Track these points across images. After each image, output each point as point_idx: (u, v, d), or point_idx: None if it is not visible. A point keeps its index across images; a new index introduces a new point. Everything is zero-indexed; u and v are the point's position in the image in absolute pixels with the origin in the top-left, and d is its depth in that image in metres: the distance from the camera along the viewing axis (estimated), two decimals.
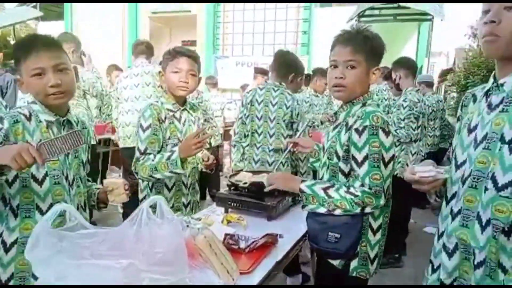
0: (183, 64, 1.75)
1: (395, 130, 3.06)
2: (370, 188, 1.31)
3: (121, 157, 3.72)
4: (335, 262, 1.42)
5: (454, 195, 1.08)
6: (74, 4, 9.21)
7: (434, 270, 1.16)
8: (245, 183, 1.78)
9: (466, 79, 4.74)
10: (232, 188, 1.87)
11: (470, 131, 1.05)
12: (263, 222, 1.73)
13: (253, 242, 1.38)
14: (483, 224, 0.97)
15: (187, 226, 1.26)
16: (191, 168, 1.89)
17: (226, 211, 1.80)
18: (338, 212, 1.35)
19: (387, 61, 3.61)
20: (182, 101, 1.87)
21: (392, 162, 1.34)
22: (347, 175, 1.41)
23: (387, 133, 1.32)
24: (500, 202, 0.93)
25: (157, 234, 0.88)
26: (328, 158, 1.47)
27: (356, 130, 1.33)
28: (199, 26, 8.49)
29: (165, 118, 1.78)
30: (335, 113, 1.53)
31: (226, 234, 1.39)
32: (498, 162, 0.94)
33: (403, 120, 3.07)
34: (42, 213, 1.26)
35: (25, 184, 1.25)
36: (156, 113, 1.75)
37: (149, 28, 8.88)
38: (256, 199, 1.76)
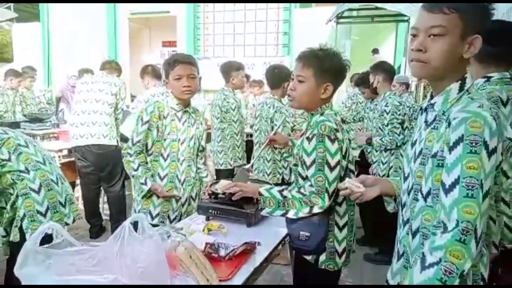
0: (182, 70, 1.94)
1: (380, 139, 3.09)
2: (315, 188, 1.45)
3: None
4: (308, 257, 1.57)
5: (404, 205, 1.16)
6: (50, 5, 9.04)
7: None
8: (224, 193, 1.85)
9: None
10: (213, 196, 1.93)
11: (412, 145, 1.14)
12: (243, 228, 1.81)
13: (232, 250, 1.45)
14: (413, 231, 1.06)
15: (168, 237, 1.33)
16: (186, 165, 2.10)
17: (207, 219, 1.86)
18: (291, 214, 1.49)
19: (365, 62, 3.73)
20: (186, 103, 2.06)
21: (338, 167, 1.46)
22: (304, 179, 1.54)
23: (333, 140, 1.45)
24: (427, 212, 1.00)
25: (139, 250, 0.94)
26: (294, 164, 1.62)
27: (307, 138, 1.49)
28: (179, 27, 8.48)
29: (167, 115, 1.98)
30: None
31: (207, 243, 1.46)
32: (424, 174, 1.02)
33: (387, 126, 3.08)
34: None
35: (49, 188, 1.58)
36: (159, 111, 1.96)
37: (129, 29, 8.81)
38: (236, 207, 1.83)
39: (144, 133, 1.97)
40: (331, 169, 1.44)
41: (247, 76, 5.79)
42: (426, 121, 1.09)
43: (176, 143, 2.02)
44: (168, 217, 2.06)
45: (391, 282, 1.18)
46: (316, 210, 1.46)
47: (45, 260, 0.94)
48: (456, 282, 0.86)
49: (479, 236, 0.87)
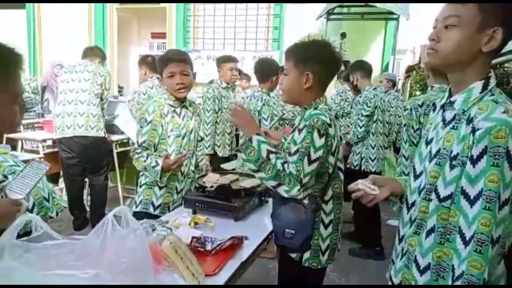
0: (175, 67, 1.95)
1: (347, 133, 3.30)
2: (295, 173, 1.38)
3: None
4: (293, 255, 1.55)
5: (412, 204, 1.14)
6: None
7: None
8: (212, 186, 1.82)
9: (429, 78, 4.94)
10: (200, 189, 1.90)
11: (427, 143, 1.11)
12: (230, 222, 1.78)
13: (219, 244, 1.43)
14: (426, 230, 1.04)
15: (153, 230, 1.30)
16: (189, 180, 2.14)
17: (194, 213, 1.83)
18: (259, 175, 1.41)
19: (356, 58, 3.77)
20: (182, 99, 2.08)
21: (317, 162, 1.40)
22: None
23: (321, 135, 1.40)
24: (443, 211, 1.00)
25: (122, 244, 0.91)
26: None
27: (298, 129, 1.46)
28: (169, 18, 8.35)
29: (168, 112, 2.01)
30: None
31: (193, 237, 1.43)
32: (441, 177, 1.00)
33: (355, 116, 3.34)
34: None
35: None
36: (159, 109, 1.98)
37: (117, 20, 8.65)
38: (223, 201, 1.81)
39: (149, 133, 1.96)
40: (310, 162, 1.39)
41: (240, 70, 5.74)
42: (444, 120, 1.07)
43: (179, 139, 2.05)
44: (168, 208, 2.05)
45: (395, 280, 1.16)
46: (281, 190, 1.40)
47: (23, 254, 0.90)
48: None
49: (495, 242, 0.90)
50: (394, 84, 4.98)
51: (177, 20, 8.34)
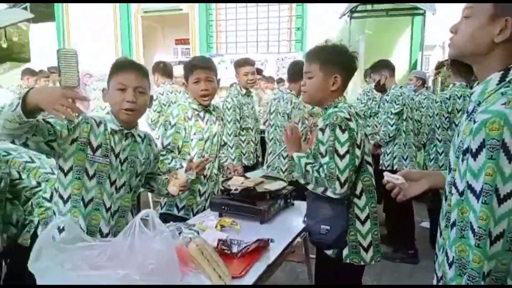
0: (200, 74, 2.01)
1: (378, 134, 3.24)
2: (327, 175, 1.47)
3: None
4: (329, 252, 1.58)
5: (446, 197, 1.11)
6: (64, 5, 9.17)
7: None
8: (236, 189, 1.84)
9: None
10: (225, 192, 1.92)
11: (457, 136, 1.08)
12: (256, 225, 1.79)
13: (245, 246, 1.44)
14: (450, 223, 1.03)
15: (180, 233, 1.32)
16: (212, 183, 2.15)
17: (220, 215, 1.85)
18: (310, 187, 1.57)
19: (380, 56, 3.70)
20: (206, 104, 2.12)
21: (348, 155, 1.47)
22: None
23: (343, 130, 1.48)
24: (462, 206, 0.97)
25: (150, 246, 0.93)
26: (314, 158, 1.62)
27: (320, 129, 1.52)
28: (192, 24, 8.50)
29: (191, 116, 2.05)
30: None
31: (219, 240, 1.45)
32: (457, 170, 1.00)
33: (384, 115, 3.25)
34: (85, 205, 1.41)
35: (78, 176, 1.41)
36: (183, 113, 2.03)
37: (142, 28, 8.88)
38: (249, 204, 1.82)
39: (173, 136, 2.01)
40: (341, 157, 1.47)
41: (259, 71, 5.74)
42: (467, 112, 1.05)
43: (202, 142, 2.08)
44: (192, 210, 2.09)
45: (438, 274, 1.13)
46: (329, 193, 1.50)
47: (59, 254, 0.94)
48: (483, 283, 0.88)
49: (494, 237, 0.88)
50: (424, 82, 4.83)
51: (200, 25, 8.47)
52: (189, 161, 1.90)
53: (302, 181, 1.58)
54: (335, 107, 1.57)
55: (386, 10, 7.33)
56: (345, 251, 1.56)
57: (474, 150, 0.91)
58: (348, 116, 1.49)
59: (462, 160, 0.97)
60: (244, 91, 3.34)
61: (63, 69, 1.41)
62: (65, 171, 1.41)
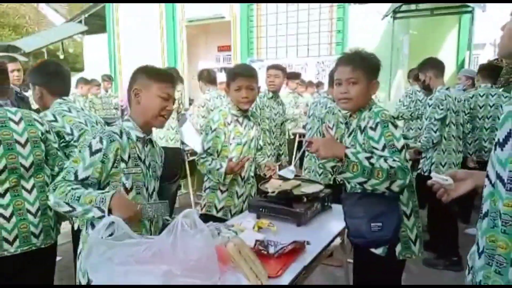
0: (242, 82, 2.09)
1: (419, 140, 3.17)
2: (400, 163, 1.45)
3: None
4: (379, 251, 1.57)
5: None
6: (115, 17, 9.72)
7: None
8: (273, 192, 1.88)
9: (509, 74, 4.54)
10: (263, 195, 1.97)
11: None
12: (292, 227, 1.82)
13: (281, 247, 1.47)
14: (483, 214, 0.99)
15: (219, 233, 1.38)
16: (248, 164, 2.20)
17: (258, 217, 1.90)
18: (369, 184, 1.44)
19: (426, 57, 3.58)
20: (245, 110, 2.21)
21: (403, 151, 1.51)
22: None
23: (395, 126, 1.54)
24: (495, 196, 0.93)
25: (191, 244, 1.00)
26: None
27: (371, 127, 1.54)
28: (234, 31, 8.69)
29: (231, 121, 2.15)
30: (346, 123, 1.74)
31: (257, 240, 1.50)
32: (490, 160, 0.96)
33: (426, 120, 3.13)
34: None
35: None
36: (223, 118, 2.13)
37: (186, 36, 9.21)
38: (286, 206, 1.85)
39: (213, 140, 2.11)
40: (400, 151, 1.50)
41: (296, 75, 5.76)
42: None
43: (240, 146, 2.16)
44: (230, 211, 2.18)
45: (469, 263, 1.10)
46: (394, 187, 1.45)
47: (107, 251, 1.03)
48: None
49: None
50: (474, 81, 4.62)
51: (241, 32, 8.63)
52: (228, 161, 1.99)
53: (358, 180, 1.45)
54: (370, 109, 1.62)
55: (431, 10, 7.07)
56: (398, 248, 1.57)
57: (501, 140, 0.90)
58: (392, 114, 1.57)
59: (494, 151, 0.95)
60: (270, 94, 3.41)
61: (155, 209, 1.48)
62: (101, 187, 1.47)
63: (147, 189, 1.57)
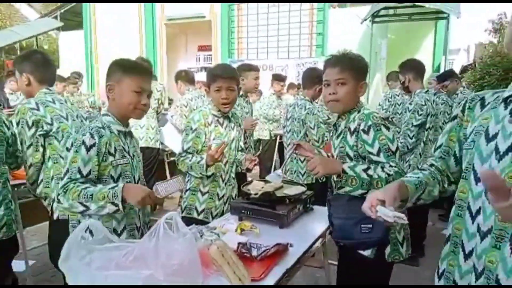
0: (222, 83, 2.07)
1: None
2: (397, 168, 1.49)
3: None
4: (367, 252, 1.55)
5: (479, 211, 0.96)
6: (92, 14, 9.50)
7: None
8: (256, 194, 1.87)
9: (482, 79, 4.70)
10: (245, 197, 1.96)
11: (489, 140, 0.96)
12: (275, 229, 1.81)
13: (264, 250, 1.46)
14: None
15: (201, 236, 1.36)
16: (229, 165, 2.19)
17: (240, 219, 1.89)
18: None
19: (404, 59, 3.64)
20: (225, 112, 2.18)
21: (398, 152, 1.54)
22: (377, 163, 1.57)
23: (388, 128, 1.55)
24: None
25: (173, 247, 0.98)
26: (342, 163, 1.59)
27: (363, 130, 1.54)
28: (214, 31, 8.64)
29: (211, 122, 2.12)
30: (334, 125, 1.72)
31: (239, 243, 1.48)
32: None
33: (404, 126, 3.14)
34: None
35: (104, 183, 1.51)
36: (204, 118, 2.10)
37: (166, 35, 9.09)
38: (268, 208, 1.84)
39: (193, 140, 2.08)
40: (394, 154, 1.52)
41: (281, 78, 5.79)
42: (511, 112, 0.93)
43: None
44: (211, 213, 2.14)
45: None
46: None
47: (87, 255, 0.99)
48: None
49: None
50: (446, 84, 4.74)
51: (222, 32, 8.60)
52: (208, 149, 1.98)
53: (357, 192, 1.49)
54: (359, 111, 1.62)
55: (409, 15, 7.25)
56: (388, 250, 1.56)
57: None
58: (382, 116, 1.58)
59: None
60: (241, 92, 3.33)
61: (167, 185, 1.52)
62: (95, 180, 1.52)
63: (134, 178, 1.63)
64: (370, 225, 1.50)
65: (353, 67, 1.61)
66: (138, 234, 1.66)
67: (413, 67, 3.25)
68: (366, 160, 1.57)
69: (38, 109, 1.98)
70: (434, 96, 3.34)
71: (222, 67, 2.27)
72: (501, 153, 0.92)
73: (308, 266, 2.94)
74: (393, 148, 1.52)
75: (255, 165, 2.17)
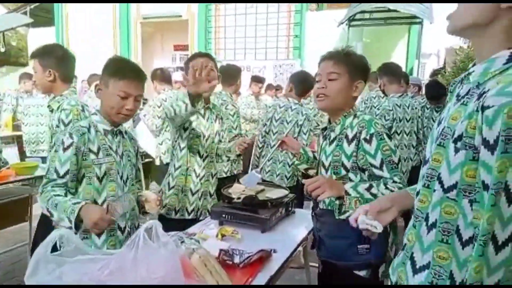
0: (200, 63, 1.95)
1: None
2: (401, 184, 1.38)
3: None
4: (362, 273, 1.45)
5: (417, 193, 0.99)
6: (64, 10, 9.17)
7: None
8: (239, 198, 1.81)
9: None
10: (226, 200, 1.89)
11: (438, 124, 0.95)
12: (257, 234, 1.76)
13: (247, 257, 1.41)
14: (429, 225, 0.90)
15: (182, 243, 1.29)
16: (208, 161, 2.12)
17: (221, 224, 1.82)
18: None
19: (378, 64, 3.69)
20: (205, 101, 2.12)
21: (400, 162, 1.44)
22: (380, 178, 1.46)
23: (390, 137, 1.44)
24: (448, 204, 0.85)
25: (154, 259, 0.91)
26: (334, 172, 1.50)
27: (365, 139, 1.43)
28: (191, 30, 8.52)
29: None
30: (324, 129, 1.61)
31: (221, 250, 1.42)
32: (445, 161, 0.86)
33: None
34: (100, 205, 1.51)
35: (89, 182, 1.53)
36: None
37: (141, 33, 8.89)
38: (250, 212, 1.79)
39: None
40: (398, 166, 1.42)
41: (260, 79, 5.79)
42: (458, 95, 0.90)
43: (198, 139, 2.07)
44: (187, 209, 2.08)
45: (392, 278, 1.03)
46: None
47: (56, 268, 0.91)
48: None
49: (502, 241, 0.75)
50: (420, 88, 4.84)
51: (198, 32, 8.49)
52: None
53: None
54: (355, 115, 1.51)
55: (384, 19, 7.39)
56: (381, 268, 1.45)
57: (491, 142, 0.75)
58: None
59: (456, 150, 0.82)
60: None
61: (122, 205, 1.49)
62: (78, 179, 1.53)
63: (121, 177, 1.61)
64: (367, 246, 1.40)
65: (348, 63, 1.48)
66: (122, 235, 1.61)
67: (387, 71, 3.28)
68: (366, 173, 1.46)
69: (83, 111, 1.97)
70: (411, 99, 3.37)
71: (197, 53, 2.23)
72: (436, 136, 0.92)
73: (286, 268, 2.91)
74: (396, 160, 1.41)
75: (245, 148, 2.07)
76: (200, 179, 2.09)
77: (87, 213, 1.34)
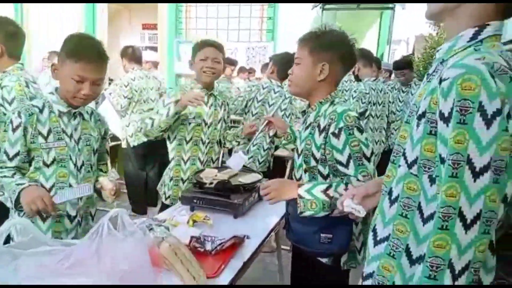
0: (209, 52, 1.99)
1: None
2: (364, 182, 1.31)
3: None
4: (324, 260, 1.44)
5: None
6: None
7: None
8: (211, 183, 1.76)
9: (425, 69, 4.93)
10: (197, 185, 1.84)
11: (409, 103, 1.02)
12: (229, 219, 1.72)
13: (219, 244, 1.37)
14: (392, 199, 0.91)
15: (150, 230, 1.23)
16: (209, 147, 2.11)
17: (192, 210, 1.77)
18: (336, 212, 1.30)
19: None
20: (210, 87, 2.09)
21: (373, 156, 1.36)
22: (325, 178, 1.42)
23: (361, 131, 1.34)
24: (411, 180, 0.86)
25: (120, 250, 0.84)
26: (304, 161, 1.45)
27: (333, 134, 1.34)
28: (160, 9, 8.20)
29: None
30: (303, 112, 1.55)
31: (192, 237, 1.37)
32: (409, 137, 0.87)
33: None
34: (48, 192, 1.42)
35: (37, 165, 1.43)
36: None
37: (107, 11, 8.47)
38: (222, 197, 1.74)
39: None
40: (369, 160, 1.33)
41: (231, 62, 5.67)
42: (427, 74, 0.91)
43: (199, 127, 2.04)
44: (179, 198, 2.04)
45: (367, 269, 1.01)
46: None
47: (11, 261, 0.83)
48: (449, 272, 0.74)
49: (470, 219, 0.73)
50: (391, 73, 4.93)
51: (169, 11, 8.17)
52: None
53: (322, 214, 1.33)
54: (332, 102, 1.42)
55: (357, 3, 7.38)
56: (344, 258, 1.44)
57: (446, 114, 0.75)
58: (357, 115, 1.36)
59: (418, 126, 0.83)
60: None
61: (70, 191, 1.43)
62: (29, 161, 1.44)
63: (75, 163, 1.49)
64: (330, 235, 1.37)
65: (311, 45, 1.38)
66: (71, 224, 1.50)
67: (362, 55, 3.31)
68: (332, 168, 1.39)
69: (28, 87, 1.84)
70: (383, 84, 3.43)
71: (210, 39, 2.15)
72: (407, 114, 0.94)
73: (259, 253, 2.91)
74: (368, 153, 1.33)
75: (253, 132, 2.05)
76: (204, 166, 2.09)
77: (26, 195, 1.28)
